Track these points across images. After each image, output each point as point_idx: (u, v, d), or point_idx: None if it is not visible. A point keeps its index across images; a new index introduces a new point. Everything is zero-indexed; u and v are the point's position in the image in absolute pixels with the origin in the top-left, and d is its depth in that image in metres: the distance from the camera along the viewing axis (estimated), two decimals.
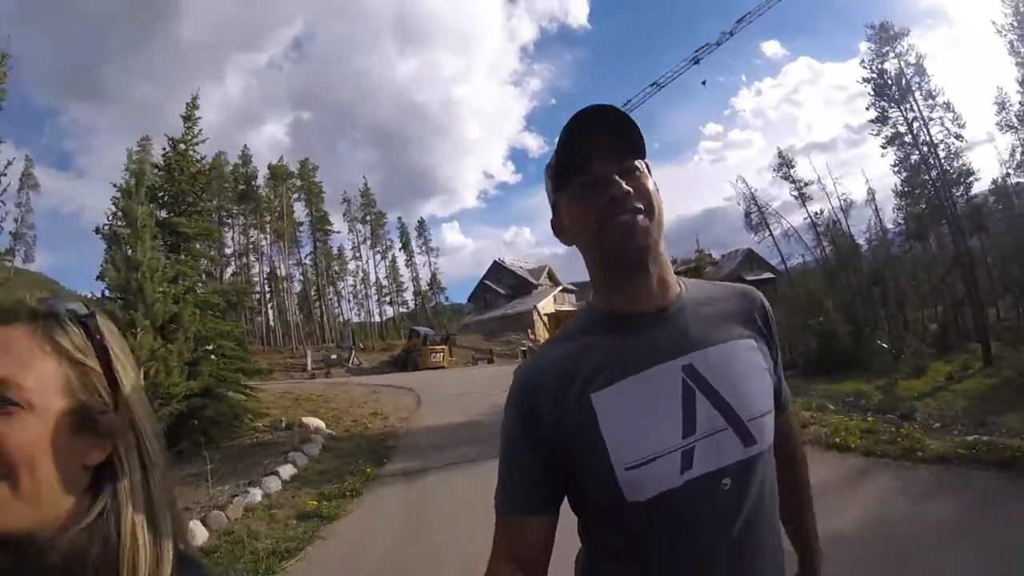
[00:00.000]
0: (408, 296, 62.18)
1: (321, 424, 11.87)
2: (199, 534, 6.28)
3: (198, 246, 11.31)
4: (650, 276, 1.05)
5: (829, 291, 24.30)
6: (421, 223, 64.61)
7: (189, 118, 12.39)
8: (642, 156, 1.05)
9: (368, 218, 59.21)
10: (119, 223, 9.58)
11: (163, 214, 10.93)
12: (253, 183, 52.90)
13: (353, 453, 9.81)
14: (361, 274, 60.20)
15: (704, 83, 45.10)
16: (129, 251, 8.73)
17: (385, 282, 60.49)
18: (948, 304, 23.99)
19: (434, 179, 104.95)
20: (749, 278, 44.45)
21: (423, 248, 62.78)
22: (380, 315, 61.66)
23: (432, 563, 5.08)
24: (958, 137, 23.54)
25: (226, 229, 49.82)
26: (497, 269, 60.54)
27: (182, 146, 12.15)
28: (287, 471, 8.61)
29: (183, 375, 8.24)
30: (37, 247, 50.44)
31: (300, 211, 56.11)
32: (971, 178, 23.56)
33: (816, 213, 32.09)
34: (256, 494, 7.60)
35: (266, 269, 54.78)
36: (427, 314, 58.93)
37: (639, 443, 0.96)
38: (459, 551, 5.01)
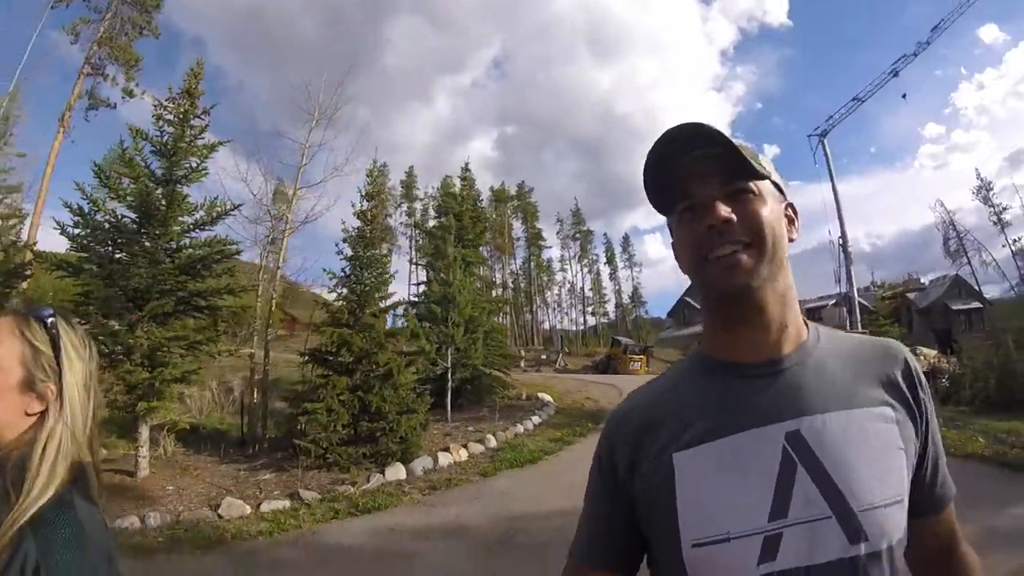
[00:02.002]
0: (610, 307, 66.49)
1: (550, 399, 16.48)
2: (492, 441, 11.01)
3: (475, 270, 16.66)
4: (763, 320, 0.88)
5: None
6: (626, 239, 68.49)
7: (465, 179, 17.92)
8: (756, 176, 0.87)
9: (577, 236, 64.73)
10: (432, 257, 15.05)
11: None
12: (477, 202, 60.61)
13: (576, 416, 14.25)
14: (568, 285, 65.76)
15: (904, 96, 41.20)
16: (442, 275, 13.99)
17: (589, 293, 65.40)
18: None
19: (638, 190, 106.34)
20: (956, 307, 41.57)
21: (627, 262, 66.58)
22: (584, 323, 66.61)
23: None
24: None
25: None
26: (693, 287, 62.08)
27: (459, 198, 17.74)
28: (536, 420, 13.32)
29: (483, 354, 13.29)
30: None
31: (516, 226, 63.17)
32: None
33: (1015, 240, 29.16)
34: (519, 428, 12.33)
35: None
36: (627, 325, 62.52)
37: (714, 518, 0.81)
38: None
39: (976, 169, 36.35)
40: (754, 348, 0.89)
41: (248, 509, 7.59)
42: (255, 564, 6.17)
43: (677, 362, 1.04)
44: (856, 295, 36.20)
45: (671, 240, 0.98)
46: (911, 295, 47.87)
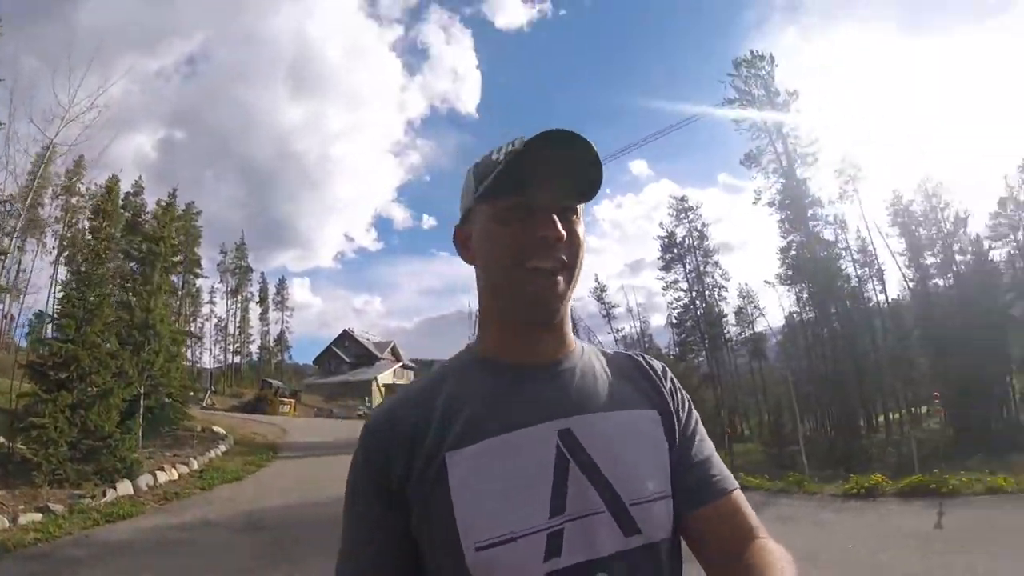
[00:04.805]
0: (253, 348, 65.12)
1: (224, 431, 18.26)
2: (195, 464, 12.95)
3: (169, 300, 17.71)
4: (551, 330, 0.90)
5: None
6: (282, 281, 68.65)
7: (170, 205, 19.13)
8: (590, 200, 0.89)
9: (237, 270, 62.80)
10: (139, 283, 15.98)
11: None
12: (144, 214, 55.11)
13: (254, 447, 16.69)
14: (215, 319, 62.93)
15: None
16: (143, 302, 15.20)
17: (236, 332, 63.51)
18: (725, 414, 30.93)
19: (294, 230, 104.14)
20: None
21: (279, 304, 66.62)
22: (226, 362, 64.05)
23: (311, 485, 12.15)
24: (721, 288, 35.78)
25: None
26: (345, 337, 64.88)
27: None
28: (222, 448, 15.47)
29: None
30: None
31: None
32: (724, 319, 35.76)
33: (619, 330, 41.97)
34: (212, 454, 14.38)
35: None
36: (271, 368, 62.19)
37: (496, 518, 0.78)
38: (322, 479, 11.99)
39: (595, 275, 49.05)
40: (534, 352, 0.89)
41: (7, 522, 8.00)
42: (53, 563, 7.03)
43: (442, 364, 0.97)
44: None
45: (458, 225, 0.95)
46: None
